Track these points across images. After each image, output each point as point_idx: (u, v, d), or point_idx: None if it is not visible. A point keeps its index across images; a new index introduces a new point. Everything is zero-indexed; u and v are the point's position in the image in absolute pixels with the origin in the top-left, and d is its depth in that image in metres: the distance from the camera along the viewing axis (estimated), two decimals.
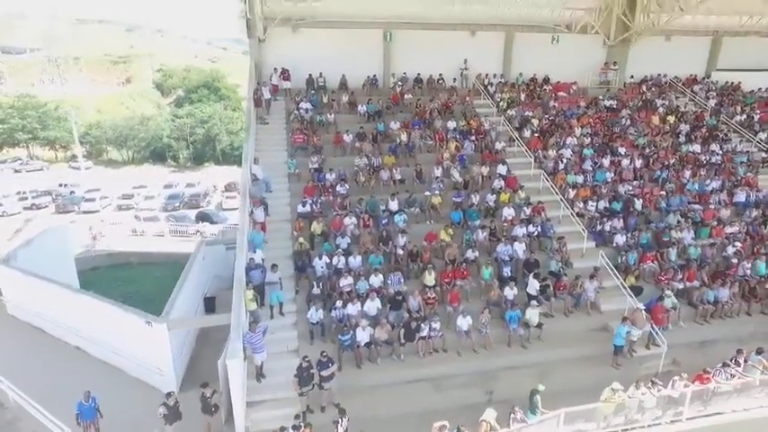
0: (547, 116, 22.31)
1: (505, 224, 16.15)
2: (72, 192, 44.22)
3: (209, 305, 18.07)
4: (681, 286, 14.83)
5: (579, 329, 13.83)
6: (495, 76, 24.59)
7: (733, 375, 11.18)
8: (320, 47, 22.36)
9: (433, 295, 13.33)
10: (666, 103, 24.28)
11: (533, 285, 13.79)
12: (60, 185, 45.86)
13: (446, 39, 23.62)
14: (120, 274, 26.08)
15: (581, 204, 17.40)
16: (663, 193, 18.40)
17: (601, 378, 12.41)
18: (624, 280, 14.90)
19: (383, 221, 15.62)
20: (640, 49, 25.79)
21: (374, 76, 23.05)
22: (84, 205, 39.42)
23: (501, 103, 22.78)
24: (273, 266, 12.91)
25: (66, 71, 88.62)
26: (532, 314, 13.16)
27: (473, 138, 20.05)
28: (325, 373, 10.84)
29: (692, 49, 27.21)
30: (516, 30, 24.38)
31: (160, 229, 31.19)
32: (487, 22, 23.70)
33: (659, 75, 26.72)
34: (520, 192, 17.47)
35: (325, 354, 11.02)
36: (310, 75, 22.32)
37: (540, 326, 13.23)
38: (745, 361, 11.66)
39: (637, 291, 14.72)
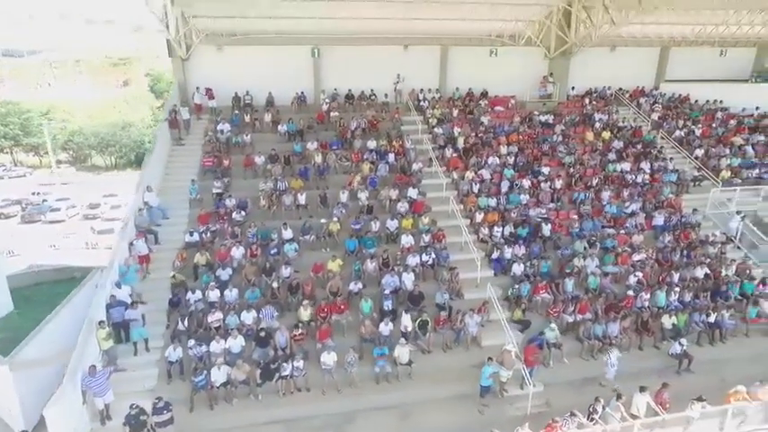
0: (475, 133, 21.88)
1: (399, 253, 15.81)
2: (44, 200, 44.59)
3: None
4: (571, 319, 14.41)
5: (457, 366, 13.44)
6: (429, 90, 24.20)
7: (582, 425, 10.78)
8: (247, 64, 22.19)
9: (300, 332, 13.05)
10: (605, 117, 23.68)
11: (405, 321, 13.46)
12: (33, 194, 46.25)
13: (378, 53, 23.29)
14: (61, 290, 26.08)
15: (485, 230, 17.00)
16: (575, 216, 17.94)
17: (465, 422, 12.20)
18: (513, 313, 14.56)
19: (272, 251, 15.37)
20: (585, 61, 25.31)
21: (302, 93, 22.76)
22: (50, 215, 39.67)
23: (431, 120, 22.40)
24: (133, 303, 12.72)
25: (65, 74, 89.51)
26: (402, 352, 12.84)
27: (391, 158, 19.70)
28: (158, 419, 10.65)
29: (640, 61, 26.67)
30: (451, 43, 23.97)
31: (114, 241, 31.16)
32: (420, 35, 23.33)
33: (604, 87, 26.12)
34: (423, 217, 17.10)
35: (159, 398, 10.83)
36: (236, 93, 22.14)
37: (410, 363, 12.90)
38: (604, 408, 11.25)
39: (524, 324, 14.36)
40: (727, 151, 22.28)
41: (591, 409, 11.16)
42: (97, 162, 63.82)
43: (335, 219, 16.58)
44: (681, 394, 12.05)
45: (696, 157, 21.98)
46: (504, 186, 19.01)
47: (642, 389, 11.51)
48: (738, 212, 18.06)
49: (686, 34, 26.16)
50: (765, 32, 26.60)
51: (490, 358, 12.32)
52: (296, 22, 21.54)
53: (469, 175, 19.28)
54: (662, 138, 23.54)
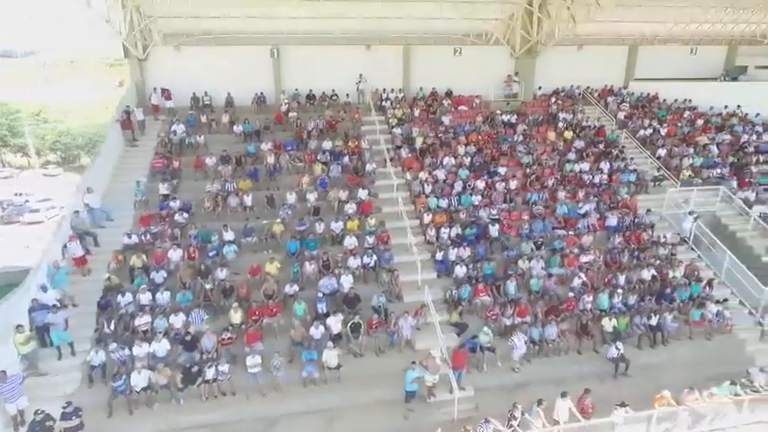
0: (435, 133, 21.67)
1: (340, 255, 15.62)
2: (26, 201, 44.61)
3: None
4: (509, 322, 14.20)
5: (388, 370, 13.15)
6: (392, 90, 24.00)
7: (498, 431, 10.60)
8: (205, 65, 22.08)
9: (229, 335, 12.90)
10: (570, 117, 23.42)
11: (333, 324, 13.28)
12: (16, 194, 46.29)
13: (340, 53, 23.12)
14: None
15: (432, 232, 16.80)
16: (525, 217, 17.74)
17: (389, 427, 12.04)
18: (450, 316, 14.38)
19: (210, 253, 15.23)
20: (552, 61, 25.11)
21: (261, 93, 22.59)
22: (29, 216, 39.66)
23: (391, 120, 22.21)
24: (54, 306, 12.59)
25: (61, 75, 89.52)
26: (330, 356, 12.67)
27: (346, 159, 19.52)
28: (67, 425, 10.51)
29: (609, 59, 26.41)
30: (414, 42, 23.77)
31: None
32: (383, 35, 23.14)
33: (572, 86, 25.86)
34: (370, 219, 16.91)
35: (68, 403, 10.69)
36: (194, 93, 22.00)
37: (338, 367, 12.73)
38: (523, 414, 11.08)
39: (461, 328, 14.17)
40: (691, 151, 22.00)
41: (510, 415, 10.99)
42: (86, 162, 63.92)
43: (279, 220, 16.42)
44: (616, 399, 11.88)
45: (659, 157, 21.71)
46: (458, 187, 18.79)
47: (563, 394, 11.33)
48: (691, 213, 17.79)
49: (656, 32, 25.93)
50: (736, 30, 26.38)
51: (414, 362, 12.14)
52: (255, 21, 21.43)
53: (423, 175, 19.08)
54: (626, 137, 23.32)
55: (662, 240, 17.31)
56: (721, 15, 24.87)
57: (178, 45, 21.70)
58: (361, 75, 23.50)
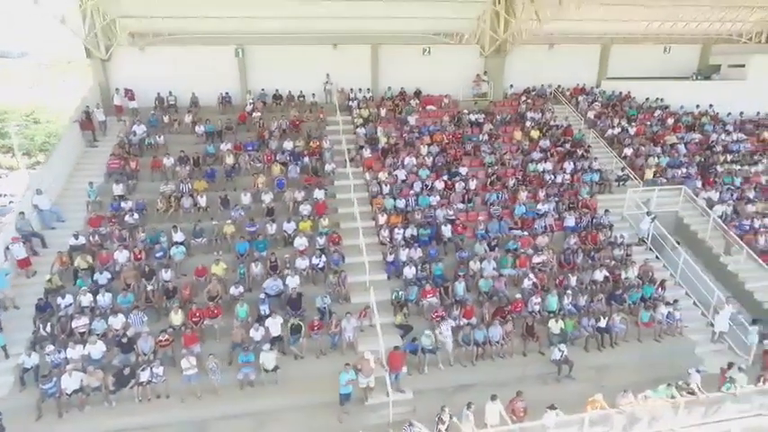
0: (400, 133, 21.55)
1: (287, 256, 15.49)
2: (11, 201, 44.61)
3: None
4: (453, 324, 14.06)
5: (328, 373, 12.89)
6: (360, 90, 23.88)
7: None
8: (170, 65, 21.99)
9: (166, 337, 12.81)
10: (538, 116, 23.27)
11: (275, 325, 13.18)
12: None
13: (307, 53, 23.02)
14: None
15: (385, 232, 16.68)
16: (481, 218, 17.61)
17: (321, 430, 11.92)
18: (395, 317, 14.27)
19: (158, 254, 15.15)
20: (523, 60, 25.02)
21: (226, 93, 22.50)
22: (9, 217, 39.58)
23: (356, 120, 22.09)
24: None
25: (57, 75, 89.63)
26: (267, 358, 12.57)
27: (306, 160, 19.42)
28: None
29: (581, 58, 26.26)
30: (381, 42, 23.65)
31: None
32: (350, 34, 23.03)
33: (543, 85, 25.70)
34: (323, 219, 16.80)
35: None
36: (158, 94, 21.92)
37: (275, 369, 12.62)
38: (451, 417, 10.94)
39: (406, 329, 14.05)
40: (659, 150, 21.83)
41: (437, 419, 10.87)
42: None
43: (229, 221, 16.32)
44: (558, 401, 11.71)
45: (625, 157, 21.56)
46: (417, 187, 18.67)
47: (493, 397, 11.20)
48: (648, 213, 17.62)
49: (628, 31, 25.73)
50: (710, 29, 26.15)
51: (347, 364, 12.02)
52: (219, 21, 21.36)
53: (382, 176, 18.96)
54: (595, 137, 23.17)
55: (619, 241, 17.14)
56: (695, 14, 24.71)
57: (142, 46, 21.64)
58: (328, 75, 23.40)
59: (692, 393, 11.74)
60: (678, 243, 19.19)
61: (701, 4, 23.91)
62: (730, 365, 12.48)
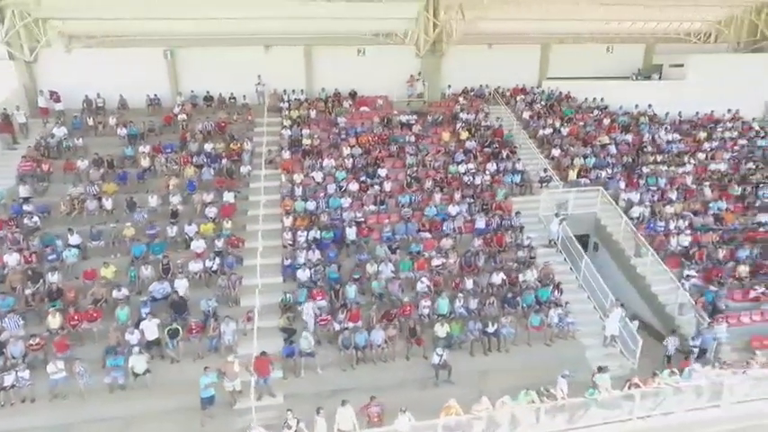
0: (328, 135, 21.47)
1: (180, 260, 15.42)
2: None
3: None
4: (338, 327, 13.96)
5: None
6: (294, 91, 23.80)
7: None
8: (98, 67, 21.91)
9: (38, 341, 12.78)
10: (471, 117, 23.11)
11: (150, 329, 13.13)
12: None
13: (238, 55, 22.95)
14: None
15: (288, 235, 16.61)
16: (387, 220, 17.50)
17: None
18: (280, 320, 14.19)
19: (50, 257, 15.13)
20: (462, 60, 24.80)
21: (155, 95, 22.47)
22: None
23: (285, 122, 22.02)
24: None
25: None
26: (137, 361, 12.52)
27: (224, 162, 19.37)
28: None
29: (522, 58, 26.03)
30: (314, 43, 23.57)
31: None
32: (281, 36, 22.96)
33: (481, 86, 25.53)
34: (225, 222, 16.74)
35: None
36: (86, 96, 21.91)
37: (145, 373, 12.57)
38: (298, 422, 10.85)
39: (289, 332, 13.97)
40: (588, 151, 21.64)
41: (284, 424, 10.79)
42: None
43: (129, 224, 16.29)
44: (430, 407, 11.53)
45: (553, 158, 21.39)
46: (331, 189, 18.58)
47: (343, 402, 11.10)
48: (557, 215, 17.45)
49: (568, 31, 25.52)
50: (657, 28, 25.89)
51: (207, 368, 11.96)
52: (148, 23, 21.33)
53: (298, 177, 18.89)
54: (529, 137, 23.04)
55: (525, 243, 16.99)
56: (636, 13, 24.50)
57: (69, 47, 21.66)
58: (259, 76, 23.32)
59: (554, 399, 11.58)
60: (597, 245, 19.14)
61: (641, 4, 23.73)
62: (600, 369, 12.31)
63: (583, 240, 19.64)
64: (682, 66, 25.06)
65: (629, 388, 11.85)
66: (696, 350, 13.69)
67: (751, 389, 12.50)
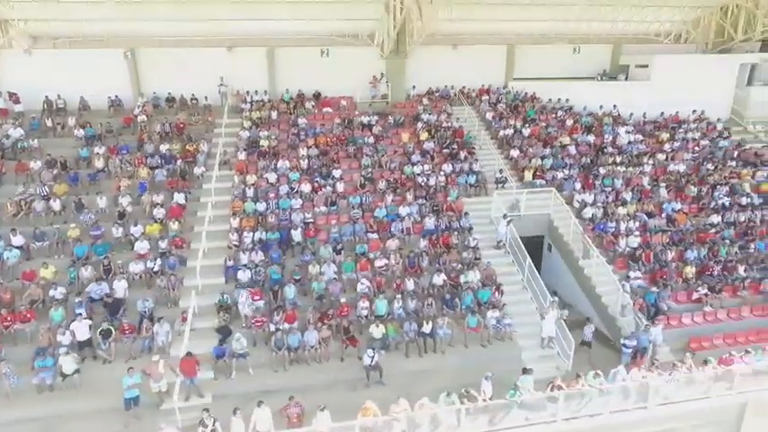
0: (287, 135, 21.50)
1: (120, 261, 15.46)
2: None
3: None
4: (273, 328, 13.98)
5: None
6: (257, 92, 23.84)
7: None
8: (59, 68, 22.00)
9: None
10: (433, 118, 23.10)
11: (81, 329, 13.17)
12: None
13: (201, 56, 23.04)
14: None
15: (233, 236, 16.63)
16: (334, 221, 17.52)
17: None
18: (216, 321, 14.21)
19: None
20: (427, 61, 24.89)
21: (116, 96, 22.52)
22: None
23: (245, 123, 22.06)
24: None
25: None
26: (65, 361, 12.55)
27: (179, 163, 19.41)
28: None
29: (488, 59, 26.01)
30: (277, 44, 23.63)
31: None
32: (244, 37, 23.04)
33: (446, 86, 25.53)
34: (172, 223, 16.78)
35: None
36: (46, 97, 21.97)
37: (74, 374, 12.60)
38: (215, 422, 10.87)
39: (224, 333, 13.97)
40: (547, 151, 21.61)
41: (199, 423, 10.81)
42: None
43: (74, 225, 16.34)
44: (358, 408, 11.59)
45: (511, 158, 21.39)
46: (283, 190, 18.60)
47: (259, 403, 11.09)
48: (505, 216, 17.44)
49: (533, 31, 25.48)
50: (625, 29, 25.83)
51: (131, 369, 11.99)
52: (108, 24, 21.45)
53: (251, 179, 18.93)
54: (491, 138, 23.06)
55: (472, 244, 16.97)
56: (603, 14, 24.47)
57: (29, 49, 21.75)
58: (221, 77, 23.37)
59: (475, 401, 11.57)
60: (551, 246, 19.13)
61: (606, 4, 23.72)
62: (525, 371, 12.29)
63: (538, 241, 19.77)
64: (647, 66, 24.98)
65: (551, 390, 11.82)
66: (628, 350, 13.62)
67: (676, 390, 12.48)
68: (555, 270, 18.89)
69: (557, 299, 15.22)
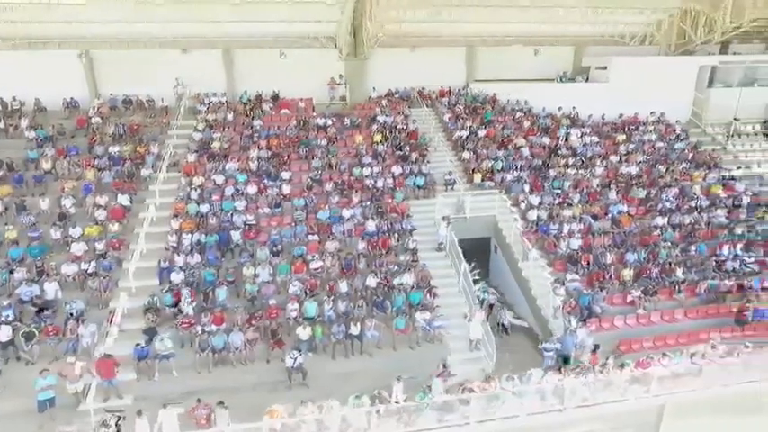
0: (240, 137, 21.56)
1: (53, 263, 15.51)
2: None
3: None
4: (199, 330, 14.00)
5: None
6: (215, 94, 23.89)
7: None
8: (14, 69, 21.99)
9: None
10: (390, 119, 23.13)
11: (3, 331, 13.22)
12: None
13: (157, 57, 23.07)
14: None
15: (172, 238, 16.68)
16: (273, 223, 17.57)
17: None
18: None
19: None
20: (387, 62, 24.90)
21: (72, 98, 22.57)
22: None
23: (199, 125, 22.11)
24: None
25: None
26: None
27: (128, 164, 19.47)
28: None
29: (449, 60, 25.98)
30: (234, 46, 23.69)
31: None
32: (199, 39, 23.07)
33: (406, 88, 25.55)
34: (111, 225, 16.84)
35: None
36: (1, 98, 22.02)
37: None
38: (119, 420, 10.91)
39: (150, 334, 14.00)
40: (500, 153, 21.65)
41: (101, 423, 10.85)
42: None
43: (11, 227, 16.40)
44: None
45: (463, 160, 21.42)
46: (229, 192, 18.65)
47: (164, 405, 11.13)
48: (444, 218, 17.46)
49: (492, 33, 25.46)
50: (580, 31, 25.87)
51: (45, 370, 12.02)
52: (64, 26, 21.47)
53: (198, 180, 18.99)
54: (447, 139, 23.11)
55: (411, 246, 17.01)
56: (562, 16, 24.49)
57: None
58: (177, 79, 23.40)
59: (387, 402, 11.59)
60: (497, 248, 19.17)
61: (562, 6, 23.74)
62: (398, 379, 12.19)
63: (487, 243, 19.84)
64: (606, 68, 25.03)
65: (462, 392, 11.84)
66: (549, 354, 13.64)
67: (595, 393, 12.49)
68: (501, 272, 18.96)
69: (490, 299, 15.21)
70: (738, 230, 18.65)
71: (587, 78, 26.25)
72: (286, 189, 18.97)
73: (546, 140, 22.70)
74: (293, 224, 17.47)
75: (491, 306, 16.39)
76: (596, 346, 13.88)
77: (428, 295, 15.33)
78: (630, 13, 25.15)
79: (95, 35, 22.14)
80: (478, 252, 20.22)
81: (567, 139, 22.57)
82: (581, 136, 22.84)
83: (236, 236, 16.79)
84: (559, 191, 19.92)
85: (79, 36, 22.11)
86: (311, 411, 11.33)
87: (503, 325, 15.03)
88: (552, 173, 20.67)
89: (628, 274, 16.55)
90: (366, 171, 20.10)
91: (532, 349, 15.37)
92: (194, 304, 14.70)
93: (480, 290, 16.22)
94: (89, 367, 12.44)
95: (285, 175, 19.65)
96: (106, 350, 13.43)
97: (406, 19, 22.69)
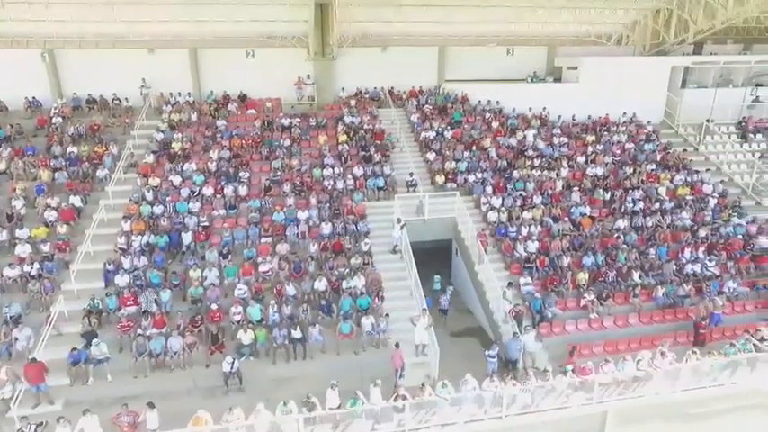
0: (199, 138, 21.34)
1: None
2: None
3: None
4: (138, 333, 13.75)
5: None
6: (180, 94, 23.65)
7: None
8: None
9: None
10: (356, 120, 22.87)
11: None
12: None
13: (122, 57, 22.84)
14: None
15: (121, 239, 16.43)
16: (225, 224, 17.32)
17: None
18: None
19: None
20: (357, 62, 24.68)
21: (34, 98, 22.35)
22: None
23: (162, 125, 21.87)
24: None
25: None
26: None
27: (85, 165, 19.25)
28: None
29: (420, 60, 25.67)
30: (199, 46, 23.46)
31: None
32: (165, 38, 22.83)
33: (375, 88, 25.29)
34: (60, 227, 16.60)
35: None
36: None
37: None
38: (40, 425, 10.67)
39: (90, 336, 13.75)
40: (466, 154, 21.38)
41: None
42: None
43: None
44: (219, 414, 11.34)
45: (428, 161, 21.16)
46: (185, 193, 18.41)
47: (85, 411, 10.90)
48: (398, 221, 17.18)
49: (466, 33, 25.17)
50: (554, 31, 25.61)
51: None
52: (26, 24, 21.25)
53: (155, 181, 18.75)
54: (415, 140, 22.86)
55: (364, 249, 16.74)
56: (533, 16, 24.23)
57: None
58: (143, 79, 23.18)
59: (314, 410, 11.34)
60: (457, 250, 18.91)
61: (533, 5, 23.48)
62: (332, 386, 11.93)
63: (448, 246, 19.58)
64: (575, 69, 24.75)
65: (395, 399, 11.57)
66: (492, 360, 13.35)
67: (537, 400, 12.23)
68: (460, 274, 18.70)
69: (425, 307, 14.87)
70: (702, 233, 18.33)
71: (559, 79, 25.94)
72: (243, 190, 18.71)
73: (513, 141, 22.39)
74: (247, 226, 17.18)
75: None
76: (574, 348, 13.90)
77: (376, 299, 15.04)
78: (605, 14, 24.88)
79: (60, 34, 21.93)
80: (441, 254, 20.08)
81: (534, 141, 22.22)
82: (535, 137, 22.45)
83: (187, 238, 16.52)
84: (522, 193, 19.61)
85: (44, 35, 21.89)
86: (237, 417, 11.07)
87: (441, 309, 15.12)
88: (516, 174, 20.35)
89: (583, 277, 16.25)
90: (327, 172, 19.82)
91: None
92: (133, 308, 14.45)
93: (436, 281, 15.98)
94: (17, 372, 12.17)
95: (244, 176, 19.39)
96: (42, 354, 13.19)
97: (372, 19, 22.41)
